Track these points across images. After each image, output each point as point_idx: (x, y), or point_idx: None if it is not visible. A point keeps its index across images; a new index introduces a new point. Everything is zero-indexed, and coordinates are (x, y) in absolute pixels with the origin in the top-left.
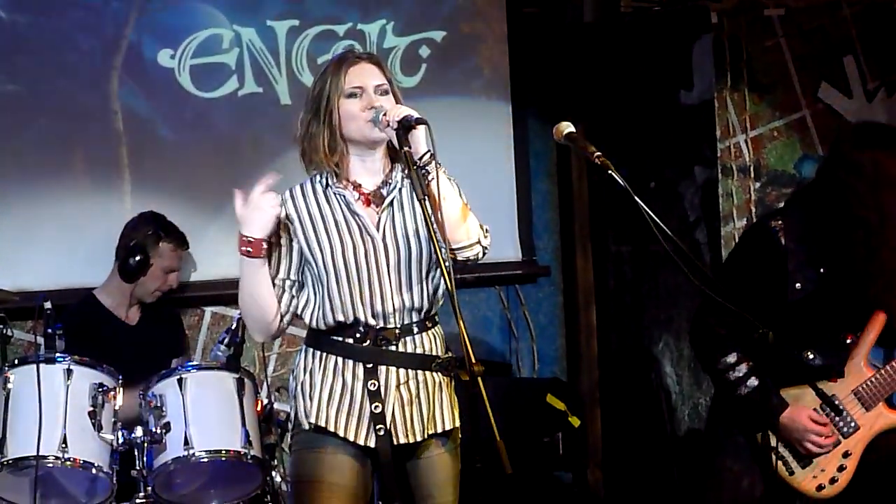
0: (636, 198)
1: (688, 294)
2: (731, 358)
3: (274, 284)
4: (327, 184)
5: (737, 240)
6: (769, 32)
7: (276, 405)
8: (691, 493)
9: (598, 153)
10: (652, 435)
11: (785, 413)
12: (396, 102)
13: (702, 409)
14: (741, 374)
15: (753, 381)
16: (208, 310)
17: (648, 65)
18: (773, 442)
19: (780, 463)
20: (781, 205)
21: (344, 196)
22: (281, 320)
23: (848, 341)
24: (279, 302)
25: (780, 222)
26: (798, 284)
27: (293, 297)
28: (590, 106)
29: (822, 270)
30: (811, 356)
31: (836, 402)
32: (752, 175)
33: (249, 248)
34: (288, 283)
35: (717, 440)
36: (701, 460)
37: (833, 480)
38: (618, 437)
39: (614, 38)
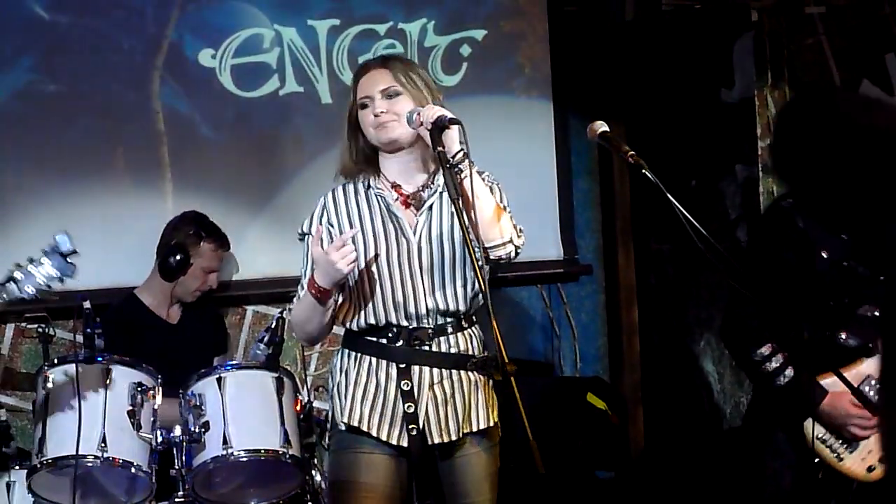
0: (669, 195)
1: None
2: (766, 349)
3: None
4: (369, 185)
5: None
6: (810, 30)
7: (316, 404)
8: (733, 492)
9: (632, 152)
10: (694, 434)
11: (825, 401)
12: (414, 101)
13: (743, 407)
14: (777, 365)
15: (790, 372)
16: (250, 308)
17: (689, 63)
18: (818, 431)
19: (827, 451)
20: None
21: (384, 197)
22: (331, 327)
23: (876, 314)
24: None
25: (790, 201)
26: (824, 253)
27: (337, 301)
28: (631, 104)
29: (844, 237)
30: (844, 337)
31: (874, 381)
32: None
33: (319, 296)
34: (335, 292)
35: (756, 438)
36: (742, 459)
37: (883, 460)
38: (660, 436)
39: (655, 36)
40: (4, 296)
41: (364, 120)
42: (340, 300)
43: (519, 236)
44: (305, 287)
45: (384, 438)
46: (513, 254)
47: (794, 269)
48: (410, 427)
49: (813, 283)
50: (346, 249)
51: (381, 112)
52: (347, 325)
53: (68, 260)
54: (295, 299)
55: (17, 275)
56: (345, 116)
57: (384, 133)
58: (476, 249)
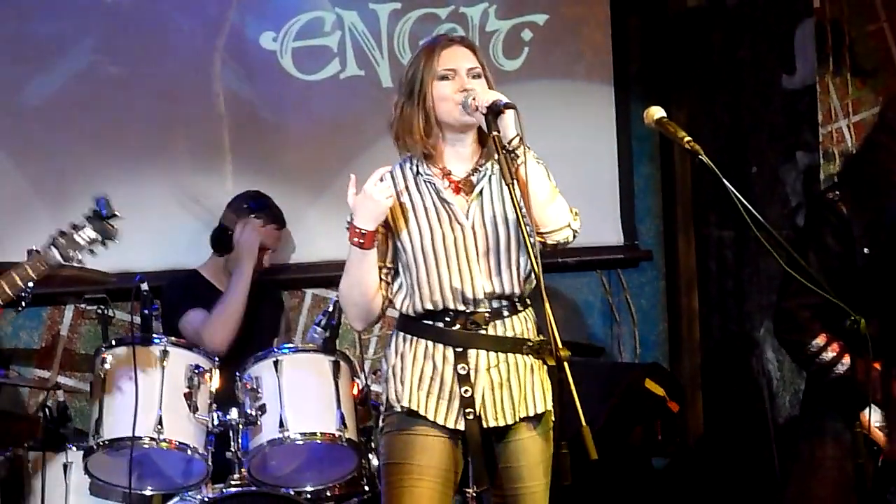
0: (725, 181)
1: None
2: (820, 340)
3: None
4: (418, 171)
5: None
6: (872, 16)
7: (373, 388)
8: (791, 480)
9: (689, 138)
10: (753, 421)
11: None
12: (489, 87)
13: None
14: (833, 355)
15: (847, 361)
16: (309, 292)
17: (750, 49)
18: (876, 418)
19: (885, 438)
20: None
21: (434, 184)
22: (382, 307)
23: None
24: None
25: (836, 193)
26: (865, 249)
27: (389, 283)
28: (692, 90)
29: (881, 236)
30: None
31: None
32: (843, 159)
33: (362, 241)
34: (384, 270)
35: (815, 428)
36: (800, 447)
37: None
38: (719, 422)
39: (717, 23)
40: (45, 263)
41: (441, 91)
42: (396, 286)
43: (576, 219)
44: (349, 245)
45: (441, 422)
46: (570, 237)
47: (837, 257)
48: (467, 411)
49: (855, 274)
50: (384, 185)
51: (471, 89)
52: (403, 310)
53: (109, 223)
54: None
55: (60, 240)
56: (402, 86)
57: (466, 112)
58: (530, 233)
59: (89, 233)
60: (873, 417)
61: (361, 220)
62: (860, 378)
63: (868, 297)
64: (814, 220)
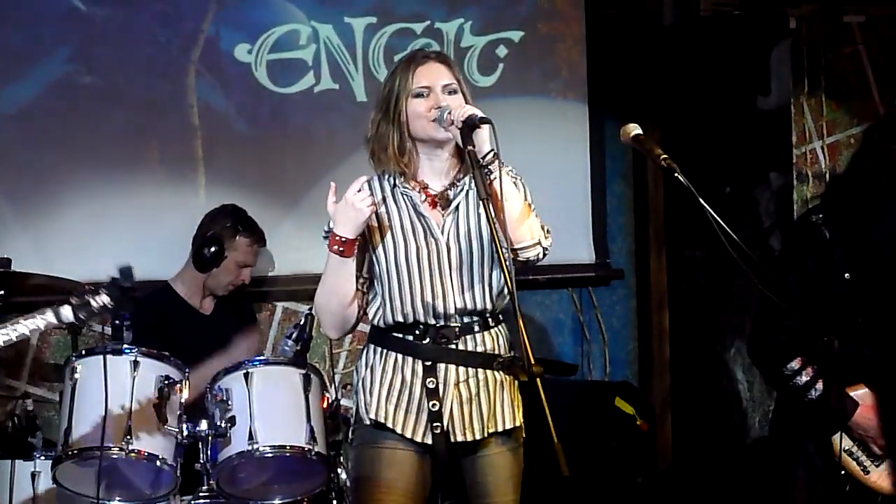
0: (701, 200)
1: None
2: (795, 364)
3: None
4: (395, 183)
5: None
6: (848, 39)
7: (343, 402)
8: (761, 501)
9: (665, 156)
10: (722, 441)
11: (857, 412)
12: (465, 102)
13: None
14: (807, 379)
15: (820, 386)
16: (280, 305)
17: (726, 69)
18: (846, 443)
19: (854, 463)
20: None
21: (411, 197)
22: (357, 316)
23: None
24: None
25: (819, 216)
26: (847, 275)
27: (364, 293)
28: (667, 109)
29: (865, 260)
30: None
31: None
32: (828, 181)
33: (342, 248)
34: (360, 280)
35: (786, 449)
36: (770, 469)
37: None
38: (688, 442)
39: (693, 41)
40: (56, 319)
41: (416, 110)
42: (371, 296)
43: (546, 237)
44: (328, 252)
45: (408, 435)
46: (541, 255)
47: (817, 281)
48: (434, 425)
49: (835, 299)
50: (364, 193)
51: (445, 105)
52: (375, 321)
53: (127, 294)
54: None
55: (73, 300)
56: (378, 102)
57: (441, 128)
58: (504, 249)
59: (104, 298)
60: (844, 443)
61: (342, 228)
62: (833, 403)
63: (847, 321)
64: (795, 243)
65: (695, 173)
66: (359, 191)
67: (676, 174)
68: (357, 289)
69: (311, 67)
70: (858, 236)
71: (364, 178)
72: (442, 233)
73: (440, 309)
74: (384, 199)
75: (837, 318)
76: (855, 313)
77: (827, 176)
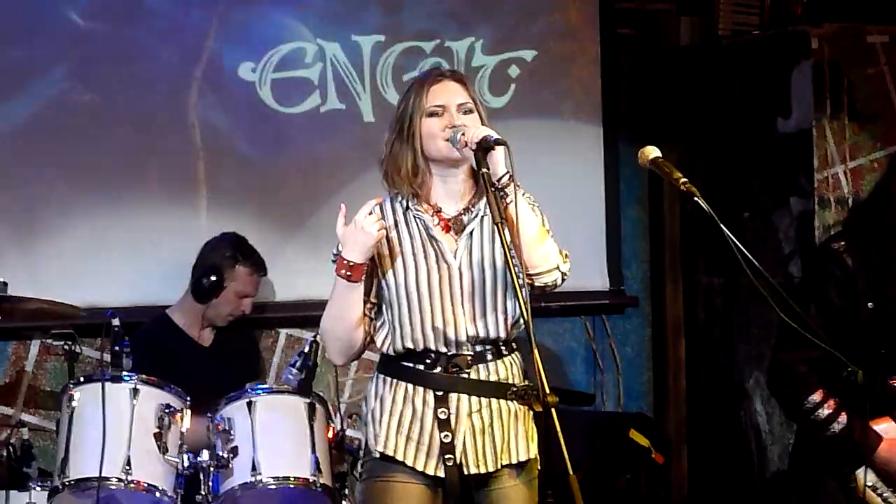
0: (722, 226)
1: None
2: (817, 396)
3: None
4: (407, 206)
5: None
6: (872, 60)
7: (349, 432)
8: None
9: (684, 179)
10: (740, 475)
11: (881, 447)
12: (481, 122)
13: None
14: (829, 412)
15: (843, 419)
16: (283, 332)
17: (745, 91)
18: (870, 479)
19: (878, 500)
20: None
21: (423, 220)
22: (363, 342)
23: None
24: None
25: (842, 243)
26: (870, 304)
27: (372, 319)
28: (683, 132)
29: (888, 289)
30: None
31: None
32: (851, 207)
33: (350, 273)
34: (368, 305)
35: (806, 484)
36: None
37: None
38: (704, 476)
39: (711, 63)
40: None
41: (430, 129)
42: (379, 322)
43: (565, 261)
44: (335, 276)
45: (420, 468)
46: (559, 280)
47: (839, 311)
48: (447, 457)
49: (857, 329)
50: (373, 217)
51: (460, 125)
52: (384, 349)
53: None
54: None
55: None
56: (392, 122)
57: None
58: (519, 276)
59: None
60: (868, 478)
61: (350, 252)
62: (857, 437)
63: (871, 352)
64: (816, 272)
65: (713, 198)
66: (370, 213)
67: (696, 198)
68: (364, 314)
69: (316, 87)
70: (882, 264)
71: (374, 200)
72: (455, 258)
73: (451, 336)
74: (396, 222)
75: (860, 348)
76: (878, 344)
77: (850, 201)
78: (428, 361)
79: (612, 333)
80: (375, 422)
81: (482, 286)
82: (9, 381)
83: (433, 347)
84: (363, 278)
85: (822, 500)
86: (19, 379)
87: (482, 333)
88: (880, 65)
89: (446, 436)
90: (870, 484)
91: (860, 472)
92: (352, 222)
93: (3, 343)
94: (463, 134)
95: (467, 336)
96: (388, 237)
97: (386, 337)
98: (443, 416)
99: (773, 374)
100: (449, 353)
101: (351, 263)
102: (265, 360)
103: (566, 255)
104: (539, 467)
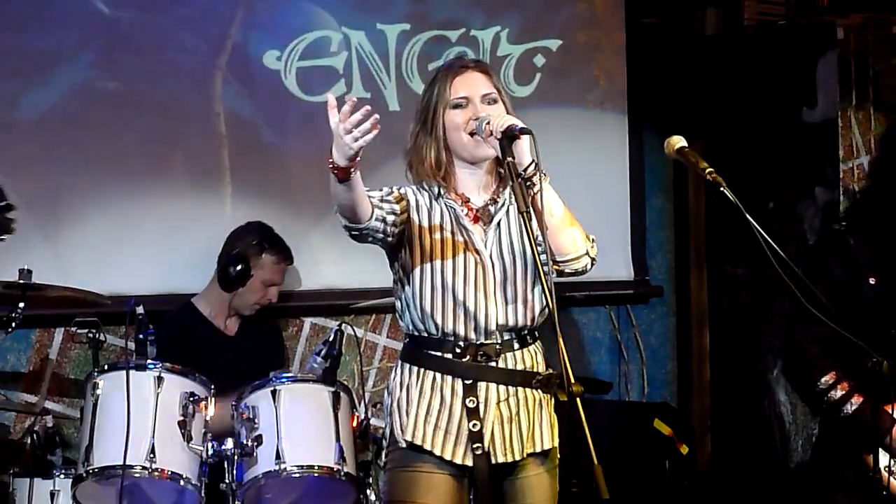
0: (748, 216)
1: None
2: (829, 378)
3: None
4: (439, 193)
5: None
6: None
7: (373, 421)
8: None
9: (710, 169)
10: (764, 465)
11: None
12: (507, 111)
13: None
14: (843, 394)
15: (856, 400)
16: (308, 320)
17: (770, 80)
18: (886, 461)
19: (894, 482)
20: None
21: (454, 209)
22: (370, 217)
23: None
24: (371, 207)
25: (843, 224)
26: (872, 280)
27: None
28: (708, 121)
29: (889, 265)
30: None
31: None
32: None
33: (336, 172)
34: (387, 208)
35: (825, 474)
36: (810, 495)
37: None
38: (729, 466)
39: (736, 52)
40: None
41: (454, 121)
42: (400, 304)
43: (593, 247)
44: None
45: (448, 457)
46: (588, 266)
47: (843, 288)
48: (475, 446)
49: (861, 307)
50: (355, 119)
51: (484, 116)
52: (414, 333)
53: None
54: None
55: None
56: (417, 113)
57: (481, 145)
58: (544, 266)
59: None
60: (883, 460)
61: (335, 155)
62: (870, 419)
63: (874, 328)
64: (820, 251)
65: (738, 188)
66: (361, 116)
67: (723, 189)
68: (373, 206)
69: (342, 75)
70: (882, 241)
71: (366, 107)
72: (485, 248)
73: (481, 324)
74: (428, 204)
75: (868, 330)
76: (886, 324)
77: None
78: (457, 350)
79: (637, 323)
80: (402, 411)
81: (513, 275)
82: (33, 368)
83: (463, 335)
84: (352, 176)
85: (841, 490)
86: (43, 367)
87: (511, 322)
88: None
89: (475, 424)
90: (886, 466)
91: (873, 455)
92: (339, 122)
93: (27, 331)
94: (488, 123)
95: (497, 325)
96: (418, 221)
97: (414, 321)
98: (471, 405)
99: (786, 355)
100: (478, 342)
101: (337, 165)
102: (289, 348)
103: (593, 239)
104: (559, 456)
